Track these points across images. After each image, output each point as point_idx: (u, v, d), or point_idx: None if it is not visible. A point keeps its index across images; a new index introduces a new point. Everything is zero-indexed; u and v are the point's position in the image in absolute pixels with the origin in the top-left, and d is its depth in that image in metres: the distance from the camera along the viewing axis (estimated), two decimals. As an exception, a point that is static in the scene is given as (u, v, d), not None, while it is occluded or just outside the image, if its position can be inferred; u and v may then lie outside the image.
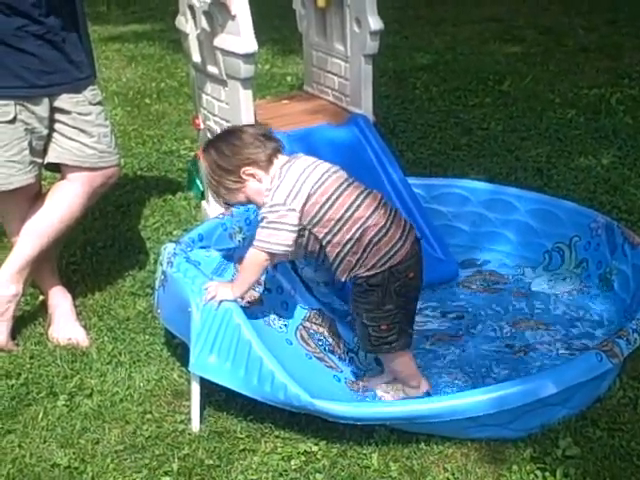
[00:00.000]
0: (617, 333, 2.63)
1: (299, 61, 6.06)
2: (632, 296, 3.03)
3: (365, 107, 3.72)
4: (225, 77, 3.37)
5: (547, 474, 2.40)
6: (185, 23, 3.60)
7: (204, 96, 3.67)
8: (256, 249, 2.52)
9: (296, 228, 2.50)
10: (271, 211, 2.49)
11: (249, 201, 2.63)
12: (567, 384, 2.47)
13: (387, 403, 2.66)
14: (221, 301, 2.56)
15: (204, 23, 3.43)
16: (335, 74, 3.85)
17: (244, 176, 2.56)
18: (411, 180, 3.63)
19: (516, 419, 2.50)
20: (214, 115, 3.62)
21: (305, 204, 2.50)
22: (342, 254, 2.53)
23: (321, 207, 2.50)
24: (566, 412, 2.57)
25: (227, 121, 3.50)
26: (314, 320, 2.96)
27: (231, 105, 3.42)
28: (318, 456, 2.51)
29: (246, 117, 3.37)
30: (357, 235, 2.49)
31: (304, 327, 2.93)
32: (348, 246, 2.51)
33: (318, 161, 2.61)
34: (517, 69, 6.14)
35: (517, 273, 3.47)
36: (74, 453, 2.56)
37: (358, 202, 2.53)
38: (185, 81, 6.14)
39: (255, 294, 2.91)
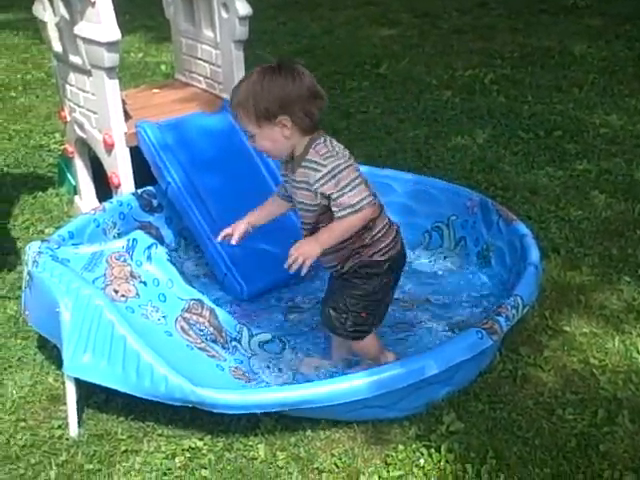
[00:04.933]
0: (496, 310, 2.66)
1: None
2: (509, 271, 3.09)
3: (239, 94, 3.64)
4: (89, 67, 3.24)
5: (432, 451, 2.42)
6: (43, 11, 3.43)
7: (68, 87, 3.52)
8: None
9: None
10: None
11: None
12: (449, 363, 2.48)
13: (272, 389, 2.61)
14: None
15: (62, 10, 3.28)
16: (206, 61, 3.76)
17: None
18: (289, 166, 3.58)
19: (401, 400, 2.50)
20: (80, 107, 3.47)
21: None
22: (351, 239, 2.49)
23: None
24: (449, 389, 2.60)
25: (94, 112, 3.36)
26: (194, 310, 2.89)
27: (97, 96, 3.29)
28: (204, 451, 2.46)
29: (113, 108, 3.25)
30: (370, 224, 2.49)
31: (183, 318, 2.86)
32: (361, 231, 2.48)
33: None
34: (393, 52, 6.20)
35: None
36: (-59, 470, 2.42)
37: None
38: (53, 72, 5.91)
39: (130, 288, 2.82)
